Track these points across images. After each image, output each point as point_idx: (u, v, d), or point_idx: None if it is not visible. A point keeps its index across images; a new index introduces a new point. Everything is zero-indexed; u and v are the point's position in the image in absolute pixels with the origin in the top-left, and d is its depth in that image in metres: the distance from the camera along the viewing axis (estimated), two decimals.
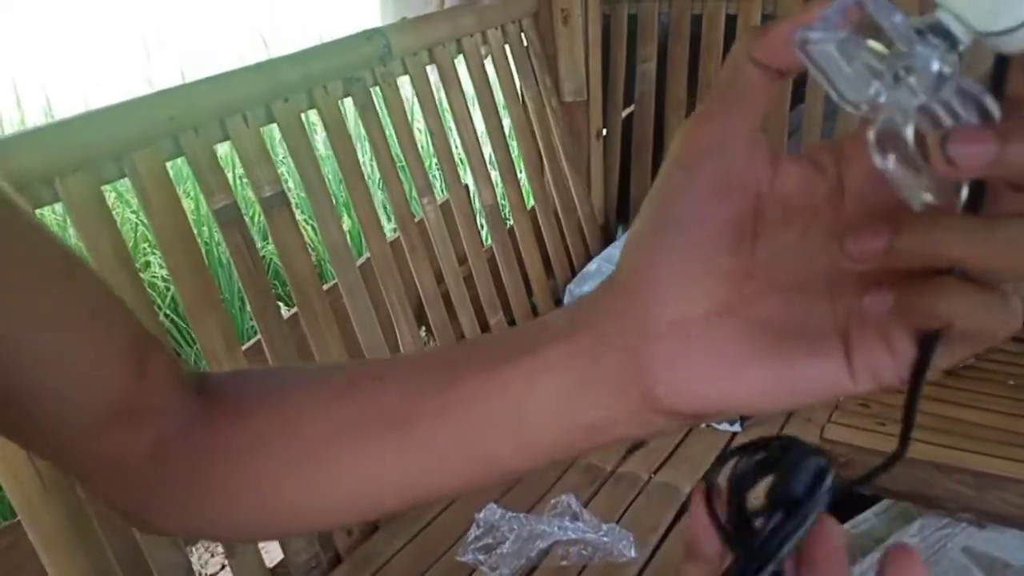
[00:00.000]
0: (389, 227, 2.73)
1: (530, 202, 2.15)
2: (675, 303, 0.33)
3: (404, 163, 1.80)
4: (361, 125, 1.71)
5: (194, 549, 2.30)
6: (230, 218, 1.39)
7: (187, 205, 2.83)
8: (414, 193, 1.84)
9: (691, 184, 0.32)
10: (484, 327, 1.89)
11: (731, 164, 0.32)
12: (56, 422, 0.41)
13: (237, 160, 1.52)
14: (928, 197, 0.28)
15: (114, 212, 1.58)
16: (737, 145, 0.32)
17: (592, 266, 2.15)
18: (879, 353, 0.31)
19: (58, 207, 1.56)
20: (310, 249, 2.28)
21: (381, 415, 0.39)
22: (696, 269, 0.33)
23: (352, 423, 0.39)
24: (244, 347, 1.43)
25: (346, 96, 1.63)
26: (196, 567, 2.26)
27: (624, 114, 2.39)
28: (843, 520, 2.06)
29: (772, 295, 0.33)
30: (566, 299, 2.11)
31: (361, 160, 1.71)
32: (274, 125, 1.49)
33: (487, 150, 2.06)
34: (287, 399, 0.42)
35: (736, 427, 1.75)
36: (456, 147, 2.01)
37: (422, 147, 2.57)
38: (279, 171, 1.56)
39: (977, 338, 0.30)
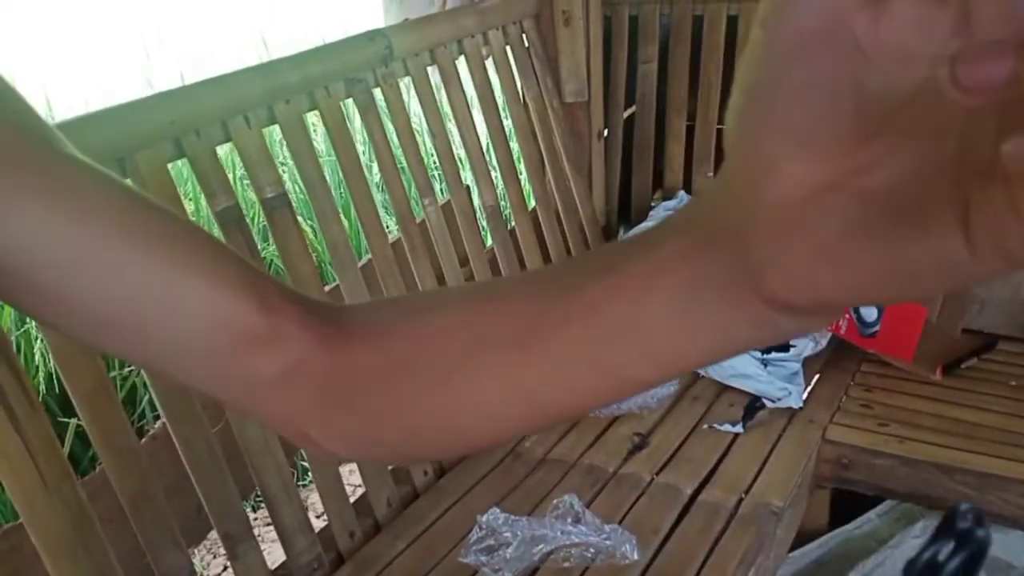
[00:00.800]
0: (390, 228, 2.72)
1: (531, 203, 2.15)
2: (776, 183, 0.29)
3: (405, 164, 1.80)
4: (363, 126, 1.71)
5: (196, 551, 2.30)
6: (231, 219, 1.39)
7: (188, 206, 2.83)
8: (415, 194, 1.84)
9: (773, 45, 0.28)
10: None
11: (813, 11, 0.27)
12: (183, 353, 0.42)
13: (237, 160, 1.52)
14: None
15: None
16: None
17: None
18: (1008, 222, 0.25)
19: None
20: (311, 250, 2.28)
21: (509, 331, 0.38)
22: (792, 143, 0.28)
23: (484, 341, 0.39)
24: None
25: (348, 97, 1.63)
26: (199, 568, 2.26)
27: (625, 115, 2.39)
28: (846, 521, 2.05)
29: (887, 163, 0.28)
30: None
31: (362, 161, 1.71)
32: (275, 126, 1.49)
33: (488, 151, 2.06)
34: (423, 320, 0.42)
35: (738, 428, 1.75)
36: (457, 148, 2.01)
37: (423, 148, 2.57)
38: (279, 172, 1.56)
39: None
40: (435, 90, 1.86)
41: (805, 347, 1.90)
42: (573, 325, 0.36)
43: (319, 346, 0.43)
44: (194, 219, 2.92)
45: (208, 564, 2.33)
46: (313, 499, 2.26)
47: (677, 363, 0.35)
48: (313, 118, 2.49)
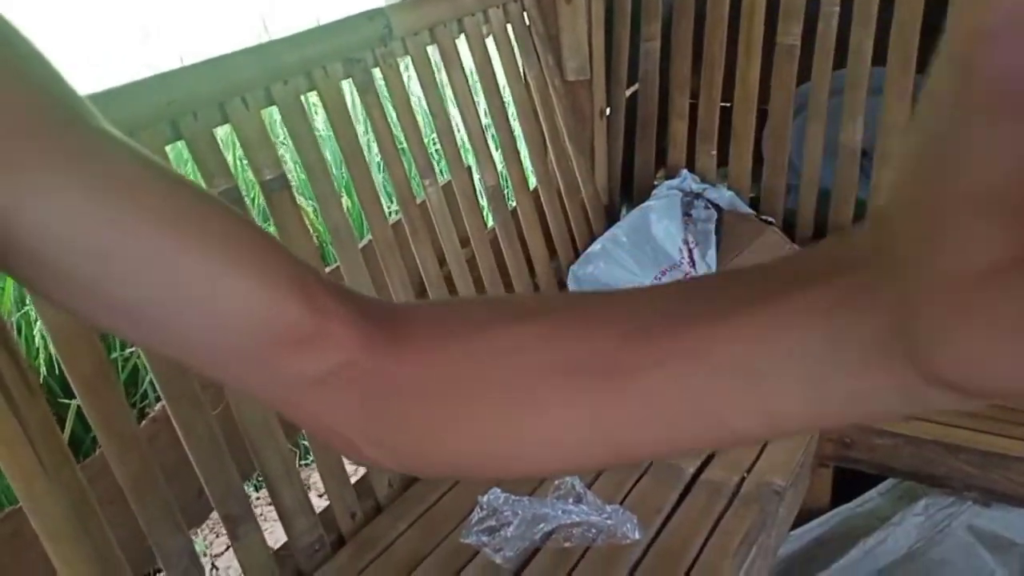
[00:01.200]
0: (391, 209, 2.72)
1: (533, 182, 2.14)
2: (958, 252, 0.24)
3: (405, 144, 1.79)
4: (362, 106, 1.70)
5: (199, 531, 2.30)
6: (230, 201, 1.38)
7: None
8: (415, 174, 1.83)
9: (963, 89, 0.23)
10: None
11: (1015, 53, 0.22)
12: (220, 349, 0.39)
13: (236, 142, 1.51)
14: None
15: None
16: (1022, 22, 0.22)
17: (596, 247, 2.14)
18: None
19: None
20: (312, 231, 2.27)
21: (593, 361, 0.34)
22: (981, 207, 0.24)
23: (562, 366, 0.35)
24: None
25: (346, 78, 1.62)
26: (201, 548, 2.27)
27: (628, 93, 2.38)
28: (848, 499, 2.05)
29: None
30: (569, 281, 2.10)
31: (362, 142, 1.70)
32: (273, 107, 1.48)
33: (489, 130, 2.05)
34: (486, 335, 0.38)
35: None
36: (458, 128, 2.00)
37: (423, 128, 2.56)
38: (279, 153, 1.56)
39: None
40: (435, 69, 1.85)
41: None
42: (671, 366, 0.32)
43: (367, 349, 0.39)
44: None
45: (211, 543, 2.34)
46: (314, 479, 2.27)
47: (794, 422, 0.31)
48: (312, 99, 2.48)
